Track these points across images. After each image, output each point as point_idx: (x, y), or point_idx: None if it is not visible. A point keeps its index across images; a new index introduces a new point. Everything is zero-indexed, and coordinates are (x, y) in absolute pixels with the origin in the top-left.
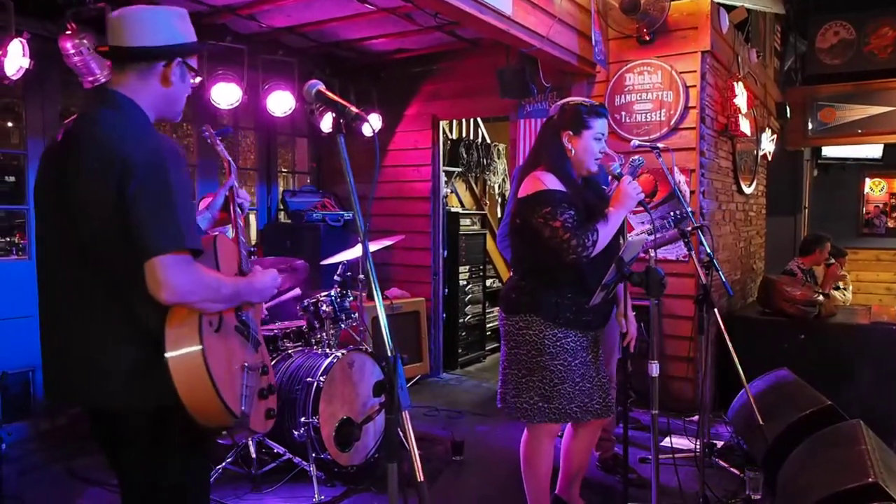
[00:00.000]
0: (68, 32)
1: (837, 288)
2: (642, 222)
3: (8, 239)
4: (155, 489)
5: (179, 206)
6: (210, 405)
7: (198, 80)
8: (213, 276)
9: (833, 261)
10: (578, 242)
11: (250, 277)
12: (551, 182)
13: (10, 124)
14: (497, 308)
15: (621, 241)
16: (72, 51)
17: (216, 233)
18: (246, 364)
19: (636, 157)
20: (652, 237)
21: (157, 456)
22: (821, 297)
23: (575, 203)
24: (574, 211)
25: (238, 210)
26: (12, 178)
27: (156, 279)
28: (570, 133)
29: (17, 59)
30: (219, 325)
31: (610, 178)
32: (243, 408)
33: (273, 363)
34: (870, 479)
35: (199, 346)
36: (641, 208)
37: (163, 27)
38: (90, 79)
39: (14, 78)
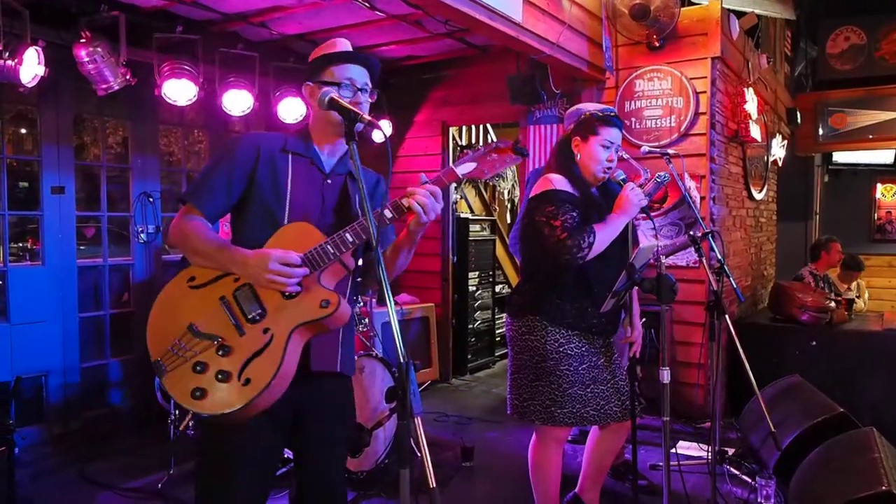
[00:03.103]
0: (82, 41)
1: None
2: (650, 228)
3: (21, 244)
4: None
5: (208, 171)
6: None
7: (368, 96)
8: (189, 230)
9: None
10: (574, 243)
11: (249, 252)
12: (560, 184)
13: (23, 131)
14: (505, 313)
15: (631, 247)
16: (86, 59)
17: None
18: (192, 325)
19: (662, 173)
20: (663, 244)
21: None
22: (833, 304)
23: (582, 206)
24: (577, 213)
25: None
26: (26, 184)
27: None
28: (579, 138)
29: (33, 66)
30: (202, 284)
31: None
32: (159, 358)
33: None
34: (883, 488)
35: (165, 287)
36: (646, 216)
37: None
38: (104, 86)
39: (29, 85)
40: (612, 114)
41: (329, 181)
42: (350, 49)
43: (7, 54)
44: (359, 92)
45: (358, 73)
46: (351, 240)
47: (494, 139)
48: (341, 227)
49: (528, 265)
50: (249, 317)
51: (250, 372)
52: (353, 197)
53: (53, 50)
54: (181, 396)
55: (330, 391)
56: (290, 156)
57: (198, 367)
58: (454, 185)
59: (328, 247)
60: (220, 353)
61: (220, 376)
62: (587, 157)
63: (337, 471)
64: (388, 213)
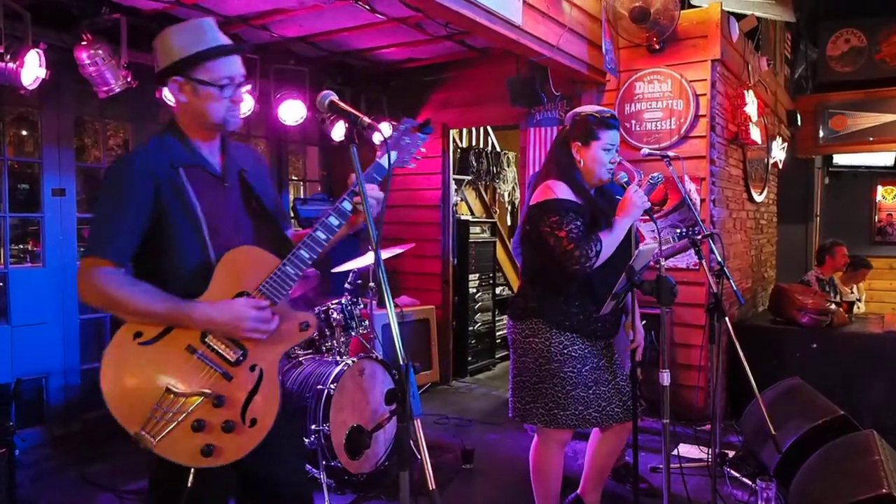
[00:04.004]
0: (84, 43)
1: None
2: (652, 230)
3: (22, 246)
4: None
5: (104, 215)
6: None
7: (245, 88)
8: (113, 293)
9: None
10: (581, 253)
11: (210, 309)
12: (562, 191)
13: (24, 133)
14: (507, 316)
15: (632, 250)
16: (87, 61)
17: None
18: (171, 386)
19: (656, 174)
20: (664, 247)
21: None
22: (833, 306)
23: (584, 213)
24: (581, 221)
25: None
26: (27, 186)
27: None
28: (579, 143)
29: (34, 69)
30: (154, 339)
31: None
32: (143, 430)
33: (283, 371)
34: (883, 490)
35: (106, 352)
36: (648, 217)
37: (164, 48)
38: (105, 88)
39: (30, 88)
40: (609, 115)
41: (227, 184)
42: (221, 35)
43: (8, 56)
44: (238, 88)
45: (235, 67)
46: (307, 256)
47: (495, 142)
48: (261, 232)
49: (531, 269)
50: (233, 360)
51: (253, 412)
52: (260, 195)
53: (55, 52)
54: (189, 458)
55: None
56: (181, 170)
57: (197, 425)
58: (455, 186)
59: (288, 269)
60: (216, 404)
61: (225, 427)
62: (591, 162)
63: (302, 465)
64: (334, 220)
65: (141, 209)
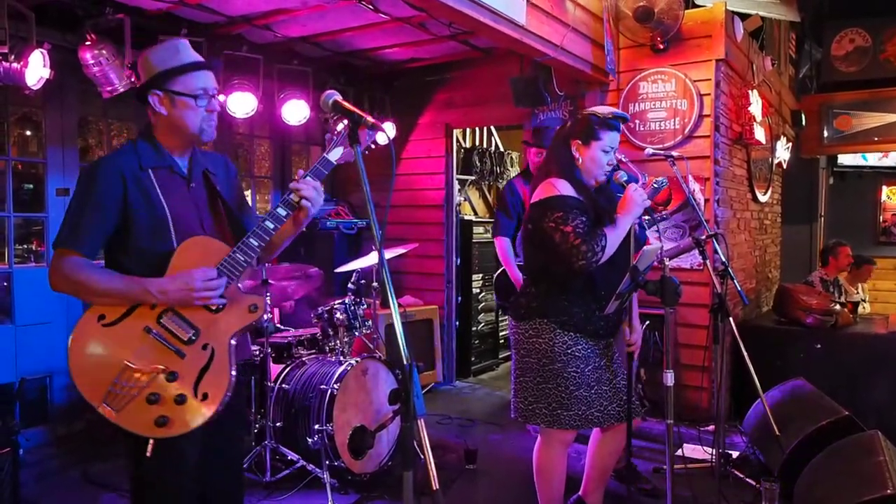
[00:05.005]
0: (88, 43)
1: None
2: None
3: (26, 246)
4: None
5: (75, 210)
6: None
7: (217, 98)
8: (79, 277)
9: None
10: (588, 248)
11: (164, 280)
12: (564, 188)
13: (29, 133)
14: (509, 316)
15: (632, 249)
16: (91, 61)
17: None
18: (129, 363)
19: (660, 178)
20: (666, 246)
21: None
22: (837, 307)
23: (587, 210)
24: (585, 217)
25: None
26: (31, 186)
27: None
28: (580, 142)
29: (38, 69)
30: (116, 320)
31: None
32: (104, 402)
33: (287, 370)
34: (888, 491)
35: (73, 332)
36: (649, 216)
37: (145, 66)
38: (108, 89)
39: (35, 88)
40: (612, 116)
41: (193, 185)
42: (194, 53)
43: (13, 57)
44: (212, 99)
45: (208, 80)
46: (256, 244)
47: (499, 142)
48: (223, 228)
49: (534, 269)
50: (185, 339)
51: (205, 387)
52: (223, 194)
53: (59, 52)
54: (145, 428)
55: (239, 373)
56: (150, 171)
57: (152, 398)
58: (458, 186)
59: (238, 255)
60: (169, 379)
61: (178, 399)
62: (590, 162)
63: (241, 452)
64: (282, 211)
65: (109, 206)
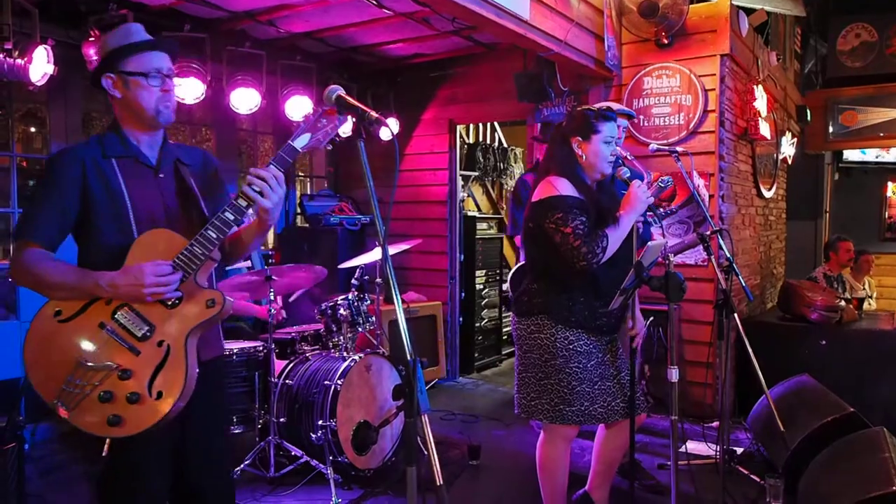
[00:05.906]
0: (91, 39)
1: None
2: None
3: None
4: None
5: (35, 201)
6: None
7: (173, 79)
8: (36, 269)
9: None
10: (588, 249)
11: (114, 273)
12: (564, 187)
13: (33, 129)
14: (512, 312)
15: (634, 246)
16: (94, 57)
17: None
18: (81, 359)
19: (665, 177)
20: (674, 242)
21: None
22: (843, 303)
23: (587, 209)
24: (586, 217)
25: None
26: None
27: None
28: (580, 138)
29: (42, 65)
30: (72, 316)
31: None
32: (57, 400)
33: (290, 366)
34: (894, 488)
35: (30, 325)
36: (652, 213)
37: (99, 50)
38: None
39: (39, 84)
40: (606, 108)
41: (161, 175)
42: (148, 36)
43: (17, 53)
44: (167, 79)
45: (161, 60)
46: (215, 236)
47: (502, 138)
48: (190, 221)
49: (536, 266)
50: (139, 335)
51: (160, 385)
52: (196, 186)
53: (62, 49)
54: (97, 428)
55: (212, 371)
56: (113, 160)
57: (104, 396)
58: (461, 182)
59: (195, 248)
60: (122, 377)
61: (130, 398)
62: (593, 156)
63: (223, 447)
64: (242, 202)
65: (66, 189)
